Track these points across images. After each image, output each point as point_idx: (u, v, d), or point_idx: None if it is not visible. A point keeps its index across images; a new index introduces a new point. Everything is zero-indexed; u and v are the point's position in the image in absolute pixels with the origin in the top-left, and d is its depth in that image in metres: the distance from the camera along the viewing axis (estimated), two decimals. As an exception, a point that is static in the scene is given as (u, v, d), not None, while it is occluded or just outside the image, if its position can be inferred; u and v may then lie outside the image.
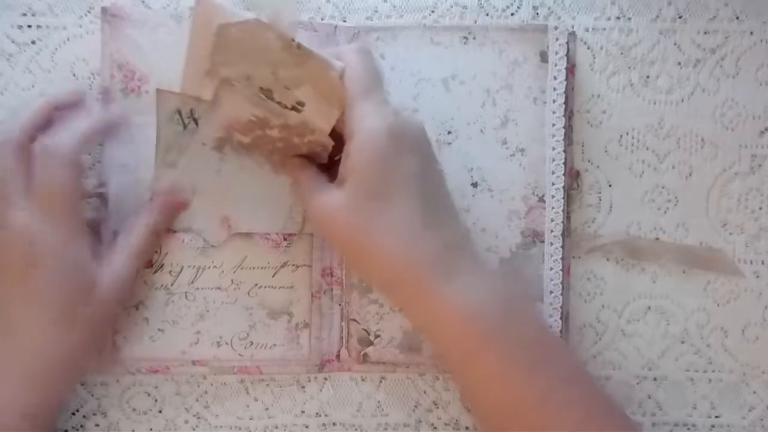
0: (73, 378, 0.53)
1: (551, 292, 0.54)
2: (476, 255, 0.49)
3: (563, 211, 0.54)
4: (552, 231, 0.54)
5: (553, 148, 0.54)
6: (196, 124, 0.51)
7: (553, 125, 0.54)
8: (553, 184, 0.54)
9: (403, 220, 0.46)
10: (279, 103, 0.49)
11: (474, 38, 0.55)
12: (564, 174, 0.54)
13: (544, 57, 0.54)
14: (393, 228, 0.46)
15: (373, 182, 0.46)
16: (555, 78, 0.54)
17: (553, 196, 0.54)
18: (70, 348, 0.49)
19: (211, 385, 0.56)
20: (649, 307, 0.57)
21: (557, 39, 0.54)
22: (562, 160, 0.54)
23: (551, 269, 0.54)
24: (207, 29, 0.47)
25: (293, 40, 0.47)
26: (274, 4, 0.47)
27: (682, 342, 0.57)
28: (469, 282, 0.47)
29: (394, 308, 0.55)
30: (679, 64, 0.57)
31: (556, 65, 0.54)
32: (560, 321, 0.54)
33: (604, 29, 0.57)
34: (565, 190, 0.55)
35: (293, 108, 0.49)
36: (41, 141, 0.49)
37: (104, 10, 0.53)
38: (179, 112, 0.51)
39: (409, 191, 0.47)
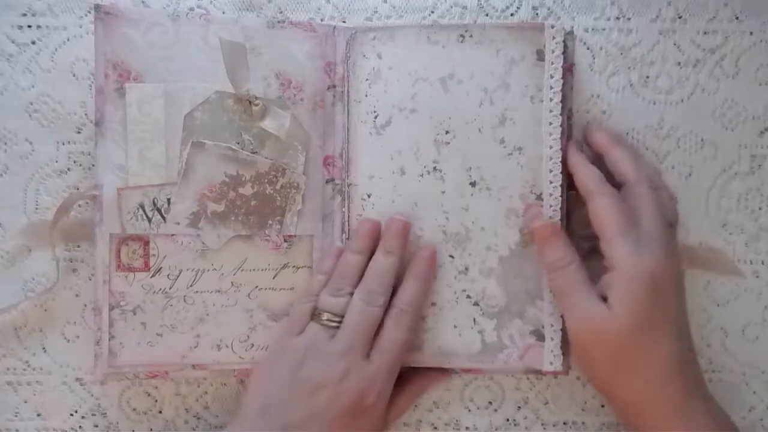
0: None
1: (551, 290, 0.53)
2: (708, 399, 0.50)
3: (561, 208, 0.53)
4: None
5: (551, 147, 0.53)
6: (162, 215, 0.52)
7: (550, 123, 0.53)
8: (551, 182, 0.53)
9: (661, 360, 0.48)
10: (250, 151, 0.52)
11: (471, 36, 0.53)
12: (561, 172, 0.53)
13: (540, 55, 0.53)
14: (650, 364, 0.48)
15: (640, 317, 0.48)
16: (552, 76, 0.52)
17: (550, 194, 0.53)
18: None
19: (211, 385, 0.55)
20: (649, 308, 0.56)
21: (554, 37, 0.52)
22: (560, 159, 0.53)
23: (550, 267, 0.53)
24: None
25: (249, 92, 0.52)
26: (229, 63, 0.51)
27: (683, 342, 0.55)
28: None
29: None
30: (679, 64, 0.56)
31: (552, 63, 0.52)
32: (561, 320, 0.53)
33: (604, 29, 0.56)
34: (562, 188, 0.53)
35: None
36: (398, 298, 0.51)
37: (97, 8, 0.51)
38: (142, 207, 0.52)
39: (671, 333, 0.48)
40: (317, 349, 0.49)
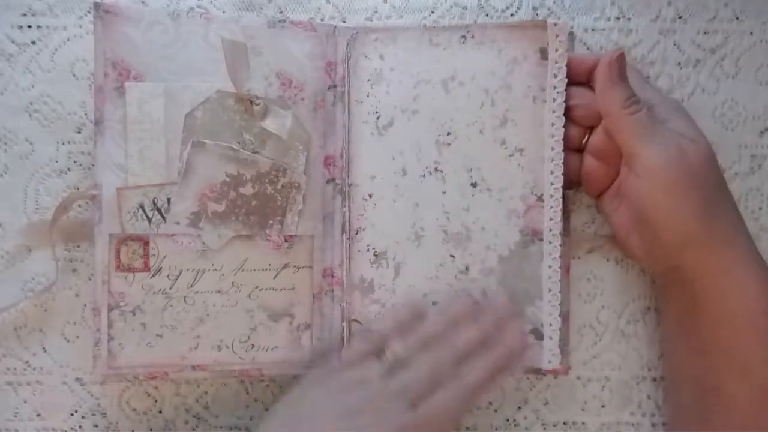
0: None
1: (550, 290, 0.53)
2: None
3: (561, 210, 0.52)
4: (551, 230, 0.52)
5: (552, 148, 0.52)
6: (162, 215, 0.51)
7: (553, 125, 0.52)
8: (552, 184, 0.52)
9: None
10: (251, 151, 0.51)
11: (472, 37, 0.52)
12: (563, 174, 0.52)
13: (544, 54, 0.52)
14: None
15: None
16: (555, 75, 0.52)
17: (551, 196, 0.52)
18: None
19: (211, 385, 0.55)
20: (649, 308, 0.55)
21: (557, 36, 0.52)
22: (561, 160, 0.52)
23: (550, 267, 0.53)
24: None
25: (249, 91, 0.51)
26: (230, 62, 0.50)
27: (682, 342, 0.55)
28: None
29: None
30: (679, 64, 0.55)
31: (556, 62, 0.52)
32: (559, 320, 0.52)
33: (604, 30, 0.55)
34: (564, 190, 0.53)
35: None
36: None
37: (97, 6, 0.50)
38: (142, 207, 0.51)
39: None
40: (368, 380, 0.47)
